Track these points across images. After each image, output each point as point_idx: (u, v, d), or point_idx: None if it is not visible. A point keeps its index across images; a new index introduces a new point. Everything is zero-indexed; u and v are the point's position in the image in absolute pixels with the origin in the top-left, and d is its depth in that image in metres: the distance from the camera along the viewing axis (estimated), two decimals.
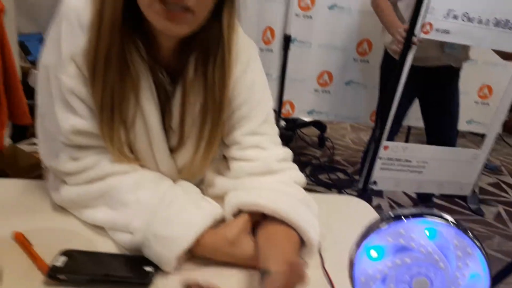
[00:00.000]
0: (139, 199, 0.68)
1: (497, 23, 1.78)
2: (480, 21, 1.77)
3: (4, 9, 1.38)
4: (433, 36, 1.77)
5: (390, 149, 2.01)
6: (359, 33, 2.42)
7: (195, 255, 0.66)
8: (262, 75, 0.77)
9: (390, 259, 0.39)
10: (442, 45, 1.94)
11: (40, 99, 0.73)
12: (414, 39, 1.75)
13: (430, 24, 1.76)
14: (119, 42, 0.63)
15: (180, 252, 0.62)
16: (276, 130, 0.79)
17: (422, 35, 1.76)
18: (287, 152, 0.78)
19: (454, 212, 2.70)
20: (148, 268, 0.62)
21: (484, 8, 1.75)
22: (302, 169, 0.79)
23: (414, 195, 2.64)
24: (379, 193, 2.81)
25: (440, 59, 1.99)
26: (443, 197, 2.88)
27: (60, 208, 0.75)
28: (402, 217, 0.38)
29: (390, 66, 2.06)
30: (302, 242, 0.67)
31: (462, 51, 1.99)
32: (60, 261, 0.61)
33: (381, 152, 2.01)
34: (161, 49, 0.69)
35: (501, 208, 2.82)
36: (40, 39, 3.27)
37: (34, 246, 0.65)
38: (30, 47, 3.09)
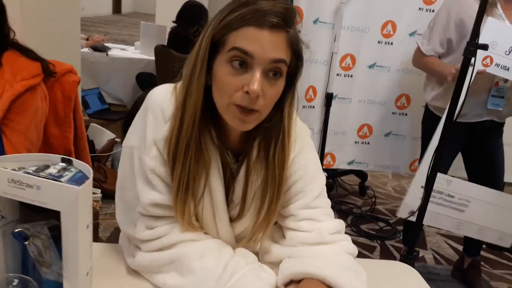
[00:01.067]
0: (204, 266, 0.76)
1: None
2: None
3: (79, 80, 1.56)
4: (493, 70, 1.78)
5: (438, 183, 1.88)
6: (398, 89, 2.51)
7: None
8: (315, 156, 0.87)
9: None
10: (485, 102, 1.97)
11: (121, 174, 0.87)
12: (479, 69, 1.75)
13: (491, 58, 1.76)
14: (197, 132, 0.75)
15: None
16: (328, 203, 0.87)
17: (482, 67, 1.77)
18: (340, 224, 0.85)
19: (503, 266, 2.60)
20: None
21: None
22: (343, 218, 0.85)
23: (456, 246, 2.57)
24: (423, 245, 2.76)
25: (482, 115, 2.02)
26: (489, 249, 2.79)
27: (135, 273, 0.85)
28: None
29: (431, 122, 2.10)
30: None
31: (505, 108, 2.00)
32: None
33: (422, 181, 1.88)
34: (230, 136, 0.81)
35: None
36: (98, 93, 3.57)
37: None
38: (89, 102, 3.37)
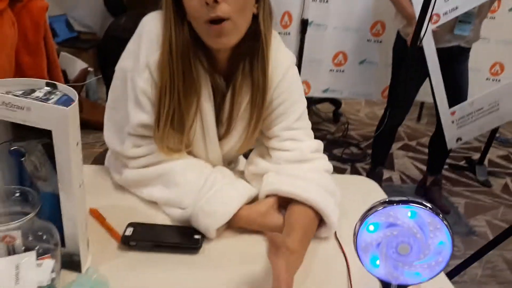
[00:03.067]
0: (188, 180, 0.85)
1: None
2: None
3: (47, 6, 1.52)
4: (444, 19, 1.86)
5: (458, 111, 2.20)
6: (373, 15, 2.51)
7: (233, 225, 0.83)
8: (298, 81, 0.92)
9: (383, 231, 0.54)
10: (452, 28, 2.02)
11: (112, 94, 0.92)
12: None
13: (438, 15, 1.86)
14: (187, 58, 0.81)
15: (221, 224, 0.80)
16: (309, 125, 0.94)
17: (433, 26, 1.86)
18: (319, 144, 0.93)
19: (462, 184, 2.84)
20: (197, 236, 0.80)
21: None
22: None
23: (422, 167, 2.77)
24: (391, 166, 2.95)
25: (450, 41, 2.08)
26: (452, 169, 3.01)
27: (121, 188, 0.93)
28: (394, 203, 0.54)
29: (402, 48, 2.16)
30: (322, 224, 0.83)
31: (471, 33, 2.06)
32: (129, 231, 0.79)
33: (450, 117, 2.21)
34: (218, 60, 0.86)
35: (508, 180, 2.94)
36: (65, 20, 3.41)
37: (106, 219, 0.83)
38: (56, 29, 3.23)
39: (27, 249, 0.61)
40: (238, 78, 0.86)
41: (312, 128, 0.94)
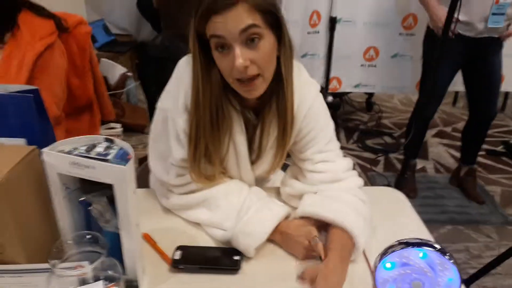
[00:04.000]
0: (228, 203, 0.96)
1: None
2: None
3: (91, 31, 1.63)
4: None
5: None
6: (404, 9, 2.49)
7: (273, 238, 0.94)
8: (324, 108, 1.00)
9: (398, 269, 0.63)
10: (486, 19, 2.00)
11: (154, 129, 1.04)
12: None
13: None
14: (216, 102, 0.90)
15: (259, 243, 0.90)
16: (338, 145, 1.02)
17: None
18: (349, 163, 1.02)
19: (499, 170, 2.80)
20: (236, 257, 0.90)
21: None
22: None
23: (457, 154, 2.75)
24: (425, 155, 2.95)
25: (482, 33, 2.06)
26: (488, 155, 2.97)
27: (169, 211, 1.05)
28: (409, 245, 0.61)
29: (432, 40, 2.15)
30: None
31: (505, 24, 2.02)
32: (178, 254, 0.90)
33: None
34: (248, 100, 0.94)
35: None
36: (103, 25, 3.57)
37: (157, 243, 0.95)
38: (95, 35, 3.39)
39: (95, 280, 0.73)
40: (267, 114, 0.95)
41: (345, 118, 1.04)
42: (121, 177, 0.68)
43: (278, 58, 0.88)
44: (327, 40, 2.46)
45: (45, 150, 0.70)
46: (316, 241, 0.86)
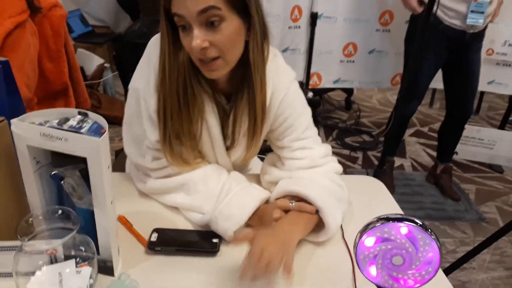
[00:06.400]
0: (207, 188, 0.94)
1: None
2: None
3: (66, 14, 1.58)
4: None
5: (467, 131, 2.64)
6: (381, 5, 2.53)
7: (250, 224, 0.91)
8: (300, 94, 0.99)
9: (379, 245, 0.62)
10: (465, 16, 2.02)
11: (128, 111, 1.00)
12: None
13: None
14: (184, 81, 0.87)
15: (237, 226, 0.88)
16: (316, 132, 1.01)
17: None
18: (327, 148, 1.01)
19: (474, 169, 2.87)
20: (215, 240, 0.88)
21: None
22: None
23: (433, 153, 2.79)
24: (403, 153, 2.99)
25: (462, 28, 2.08)
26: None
27: (145, 195, 1.02)
28: (389, 220, 0.61)
29: (414, 35, 2.16)
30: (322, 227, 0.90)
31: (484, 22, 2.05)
32: (154, 237, 0.88)
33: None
34: (217, 82, 0.92)
35: None
36: (79, 15, 3.49)
37: (133, 225, 0.92)
38: (72, 25, 3.31)
39: (67, 258, 0.70)
40: (239, 102, 0.92)
41: (325, 116, 1.02)
42: (95, 150, 0.65)
43: (248, 44, 0.85)
44: (308, 35, 2.46)
45: (14, 120, 0.67)
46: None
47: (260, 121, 0.92)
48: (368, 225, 0.62)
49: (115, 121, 2.94)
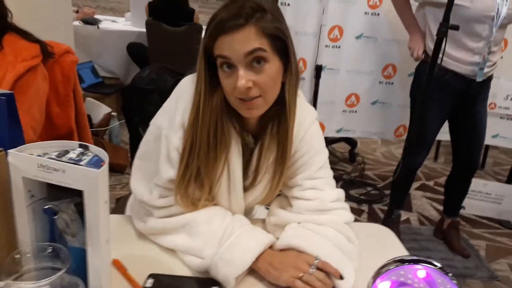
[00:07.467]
0: (210, 229, 0.89)
1: None
2: None
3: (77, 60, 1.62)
4: None
5: (474, 185, 2.53)
6: (384, 59, 2.59)
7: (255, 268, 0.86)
8: (319, 134, 0.98)
9: None
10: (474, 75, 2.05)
11: (144, 147, 0.99)
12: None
13: None
14: (216, 122, 0.87)
15: (240, 272, 0.83)
16: (331, 174, 0.99)
17: None
18: (340, 193, 0.97)
19: (483, 225, 2.78)
20: None
21: None
22: None
23: (440, 207, 2.72)
24: (409, 207, 2.92)
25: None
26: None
27: (143, 238, 0.97)
28: (405, 262, 0.56)
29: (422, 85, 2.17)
30: None
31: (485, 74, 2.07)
32: (149, 283, 0.82)
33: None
34: (248, 122, 0.93)
35: None
36: (91, 67, 3.59)
37: (128, 270, 0.86)
38: (83, 76, 3.40)
39: None
40: (266, 138, 0.92)
41: None
42: (93, 182, 0.62)
43: (283, 84, 0.88)
44: (313, 87, 2.50)
45: (11, 151, 0.64)
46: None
47: (289, 151, 0.91)
48: (381, 268, 0.57)
49: (118, 169, 2.93)
